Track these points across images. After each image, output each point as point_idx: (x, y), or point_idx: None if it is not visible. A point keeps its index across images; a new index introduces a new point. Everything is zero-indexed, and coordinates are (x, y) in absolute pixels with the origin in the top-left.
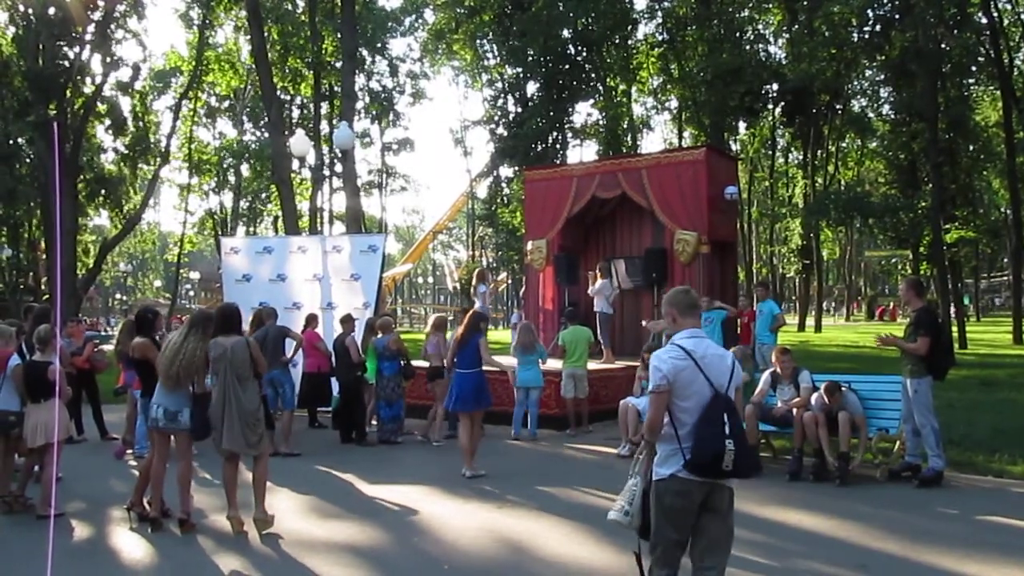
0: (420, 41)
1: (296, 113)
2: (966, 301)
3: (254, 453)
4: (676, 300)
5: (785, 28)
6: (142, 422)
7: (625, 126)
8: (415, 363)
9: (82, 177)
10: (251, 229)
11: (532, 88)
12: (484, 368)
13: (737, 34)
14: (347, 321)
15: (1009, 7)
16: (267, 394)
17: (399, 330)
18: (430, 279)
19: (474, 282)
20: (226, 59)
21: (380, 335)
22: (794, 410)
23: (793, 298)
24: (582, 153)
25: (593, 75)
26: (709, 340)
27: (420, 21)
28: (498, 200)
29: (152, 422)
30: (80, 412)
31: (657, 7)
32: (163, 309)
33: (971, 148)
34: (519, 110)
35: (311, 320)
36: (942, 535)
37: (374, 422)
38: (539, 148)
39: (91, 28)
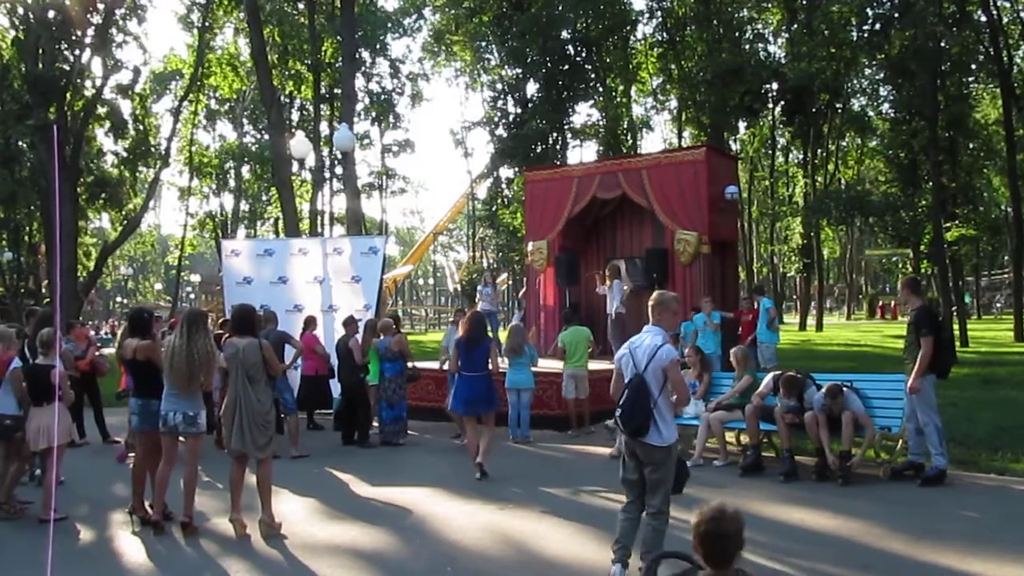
0: (420, 42)
1: (296, 115)
2: (967, 299)
3: (261, 456)
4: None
5: (784, 27)
6: (139, 422)
7: (625, 126)
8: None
9: (82, 180)
10: (252, 231)
11: (532, 89)
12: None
13: (736, 34)
14: (350, 323)
15: (1008, 5)
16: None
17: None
18: (431, 280)
19: (484, 282)
20: (226, 62)
21: (382, 337)
22: (778, 411)
23: (794, 297)
24: (582, 154)
25: (593, 75)
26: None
27: (419, 22)
28: (498, 201)
29: (168, 429)
30: (82, 415)
31: (656, 7)
32: (164, 312)
33: (971, 146)
34: (519, 111)
35: (309, 323)
36: (945, 534)
37: (376, 423)
38: (539, 149)
39: (91, 31)
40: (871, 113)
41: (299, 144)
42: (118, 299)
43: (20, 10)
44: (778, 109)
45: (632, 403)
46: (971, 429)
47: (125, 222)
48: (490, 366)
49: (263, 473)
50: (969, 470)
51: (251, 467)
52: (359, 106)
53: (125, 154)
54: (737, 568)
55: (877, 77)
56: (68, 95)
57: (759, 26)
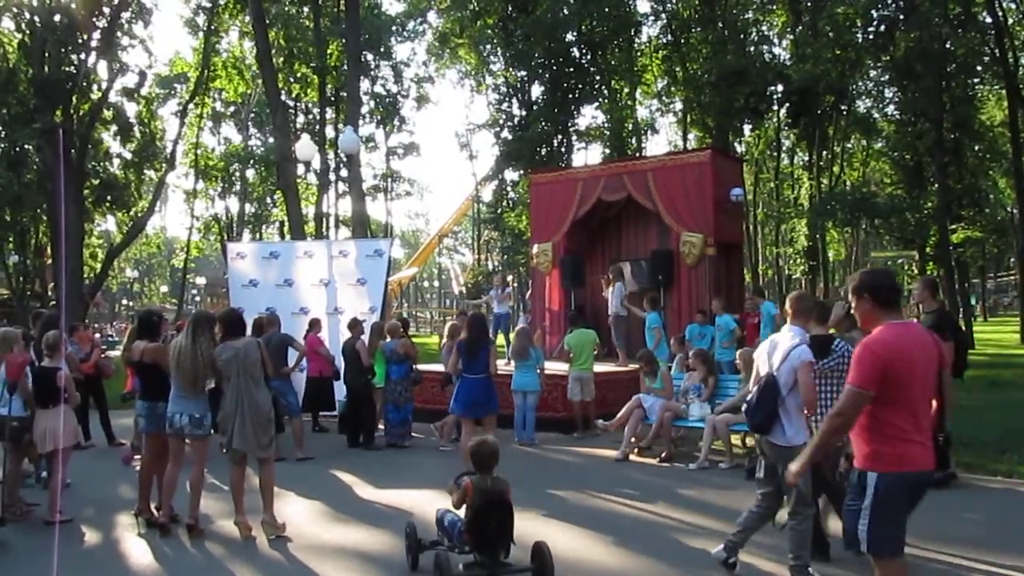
0: (424, 45)
1: (301, 118)
2: (972, 301)
3: (264, 455)
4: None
5: (789, 29)
6: (146, 424)
7: (630, 128)
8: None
9: (88, 183)
10: (257, 234)
11: (537, 91)
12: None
13: (741, 36)
14: (355, 326)
15: (1014, 6)
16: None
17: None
18: (436, 283)
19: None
20: (232, 65)
21: (389, 339)
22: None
23: None
24: (587, 156)
25: (597, 78)
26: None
27: (424, 25)
28: (503, 203)
29: (175, 431)
30: (88, 418)
31: (661, 9)
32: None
33: (977, 148)
34: (524, 113)
35: (313, 325)
36: (952, 536)
37: (381, 426)
38: (544, 151)
39: (97, 35)
40: (876, 115)
41: (304, 147)
42: (124, 301)
43: (27, 14)
44: (783, 111)
45: (758, 400)
46: (978, 432)
47: (131, 224)
48: (490, 368)
49: (266, 473)
50: (976, 473)
51: (252, 469)
52: (364, 109)
53: (131, 157)
54: (495, 476)
55: (882, 79)
56: (74, 98)
57: (764, 28)
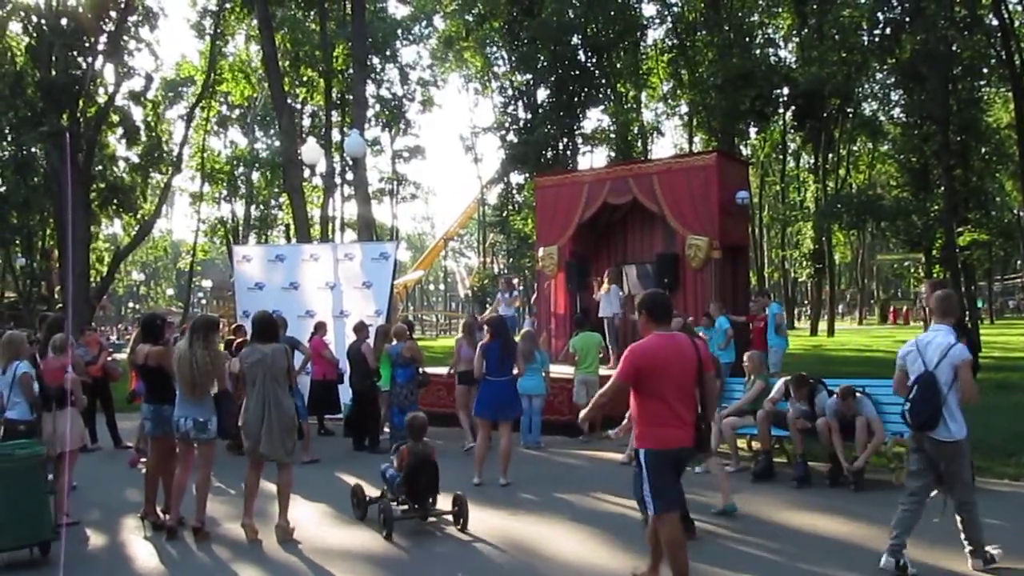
0: (430, 48)
1: (307, 121)
2: (979, 304)
3: (288, 460)
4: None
5: (795, 32)
6: (151, 428)
7: (635, 132)
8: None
9: (95, 186)
10: (263, 237)
11: (542, 94)
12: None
13: (747, 38)
14: (360, 329)
15: (1020, 8)
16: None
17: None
18: (441, 286)
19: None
20: (238, 68)
21: (394, 342)
22: (790, 416)
23: (805, 302)
24: (592, 159)
25: (603, 81)
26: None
27: (429, 29)
28: (509, 206)
29: (181, 435)
30: (94, 421)
31: (667, 12)
32: (175, 318)
33: (983, 150)
34: (529, 116)
35: (319, 328)
36: (959, 540)
37: (387, 429)
38: (549, 154)
39: (103, 38)
40: (882, 117)
41: (310, 150)
42: (130, 304)
43: (34, 18)
44: (789, 114)
45: (921, 399)
46: (985, 435)
47: (137, 227)
48: (515, 371)
49: (284, 479)
50: (983, 476)
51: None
52: (370, 112)
53: (137, 160)
54: (425, 441)
55: (888, 81)
56: (81, 102)
57: (769, 31)
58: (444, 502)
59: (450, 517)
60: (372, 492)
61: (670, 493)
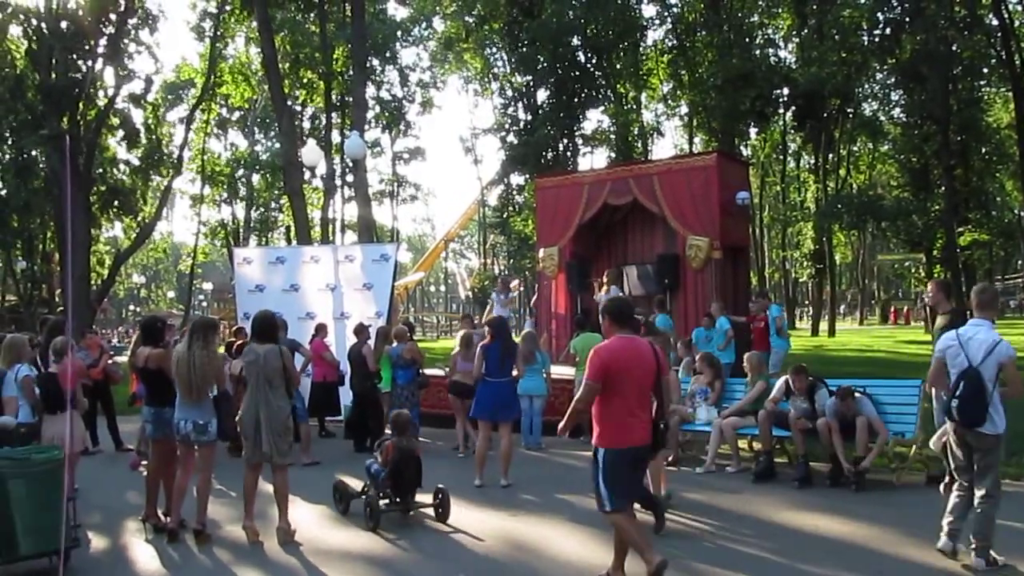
0: (429, 50)
1: (307, 123)
2: None
3: (283, 462)
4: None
5: (795, 32)
6: (152, 430)
7: (636, 132)
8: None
9: (95, 189)
10: (263, 239)
11: (542, 95)
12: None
13: (747, 39)
14: (361, 331)
15: (1020, 8)
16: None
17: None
18: (442, 287)
19: (497, 288)
20: (238, 70)
21: (395, 344)
22: (792, 416)
23: (806, 303)
24: (593, 160)
25: (603, 82)
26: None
27: (429, 30)
28: (509, 208)
29: (182, 437)
30: (95, 423)
31: (666, 13)
32: (176, 321)
33: (983, 150)
34: (529, 118)
35: (319, 330)
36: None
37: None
38: (550, 155)
39: (103, 41)
40: (882, 118)
41: (310, 152)
42: (131, 307)
43: (34, 21)
44: (789, 114)
45: (971, 396)
46: None
47: (138, 230)
48: (515, 372)
49: (281, 481)
50: None
51: (262, 474)
52: (370, 114)
53: (137, 163)
54: (409, 437)
55: (888, 81)
56: (81, 105)
57: (769, 31)
58: (425, 496)
59: (431, 511)
60: (356, 486)
61: (626, 490)
